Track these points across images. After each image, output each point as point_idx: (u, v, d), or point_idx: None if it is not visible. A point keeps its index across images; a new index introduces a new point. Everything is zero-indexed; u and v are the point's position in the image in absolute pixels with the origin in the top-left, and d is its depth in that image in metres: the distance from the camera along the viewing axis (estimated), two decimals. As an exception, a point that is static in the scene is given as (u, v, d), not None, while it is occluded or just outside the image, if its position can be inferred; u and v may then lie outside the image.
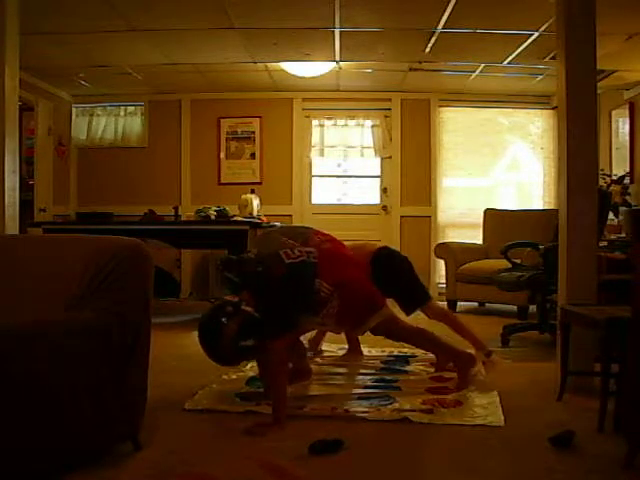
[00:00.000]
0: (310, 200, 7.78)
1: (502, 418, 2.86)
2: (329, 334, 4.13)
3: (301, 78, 6.69)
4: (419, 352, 4.04)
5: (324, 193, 7.86)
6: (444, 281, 6.87)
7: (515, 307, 5.97)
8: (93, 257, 2.41)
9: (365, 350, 4.22)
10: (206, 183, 7.67)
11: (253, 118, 7.68)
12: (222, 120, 7.70)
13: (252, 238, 5.59)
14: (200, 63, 6.40)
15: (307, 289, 2.99)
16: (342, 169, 7.90)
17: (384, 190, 7.71)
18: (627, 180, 6.27)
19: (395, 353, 4.23)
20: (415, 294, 3.80)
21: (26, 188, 6.58)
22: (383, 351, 4.27)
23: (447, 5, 4.71)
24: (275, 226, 6.28)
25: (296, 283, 2.99)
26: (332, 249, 3.29)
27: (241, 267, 3.06)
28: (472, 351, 3.69)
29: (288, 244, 3.22)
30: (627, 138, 6.56)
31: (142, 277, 2.47)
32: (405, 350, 4.21)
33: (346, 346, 4.18)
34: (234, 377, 3.59)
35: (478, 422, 2.82)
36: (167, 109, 7.73)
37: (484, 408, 2.99)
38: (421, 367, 3.86)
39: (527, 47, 5.62)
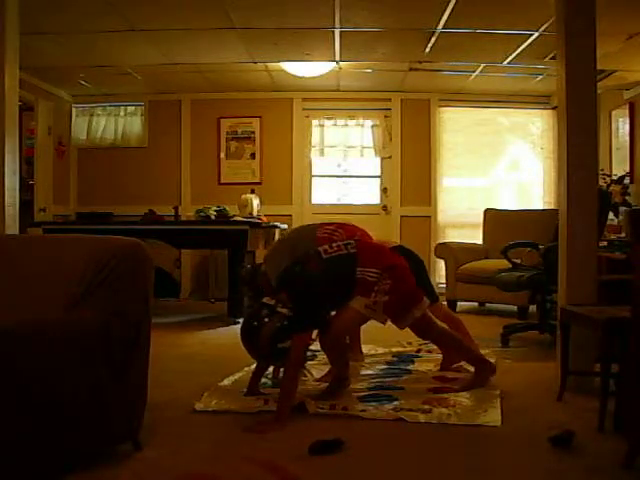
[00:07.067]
0: (310, 200, 7.78)
1: (499, 418, 2.85)
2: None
3: (301, 78, 6.69)
4: (423, 352, 4.03)
5: (324, 193, 7.86)
6: (444, 281, 6.87)
7: (515, 307, 5.97)
8: (93, 257, 2.41)
9: (370, 348, 4.21)
10: (206, 183, 7.67)
11: (253, 118, 7.68)
12: (222, 120, 7.70)
13: (252, 238, 5.58)
14: (200, 63, 6.40)
15: (346, 279, 3.09)
16: (342, 169, 7.90)
17: (384, 190, 7.70)
18: (627, 180, 6.27)
19: (400, 352, 4.22)
20: (430, 290, 3.81)
21: (26, 188, 6.58)
22: (390, 351, 4.26)
23: (447, 5, 4.71)
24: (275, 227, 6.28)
25: (334, 276, 3.09)
26: (369, 241, 3.42)
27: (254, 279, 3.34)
28: (493, 360, 3.68)
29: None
30: (627, 138, 6.55)
31: (142, 277, 2.47)
32: (410, 349, 4.21)
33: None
34: (239, 376, 3.57)
35: (476, 422, 2.81)
36: (167, 109, 7.73)
37: (483, 408, 2.98)
38: (425, 366, 3.84)
39: (527, 47, 5.61)
